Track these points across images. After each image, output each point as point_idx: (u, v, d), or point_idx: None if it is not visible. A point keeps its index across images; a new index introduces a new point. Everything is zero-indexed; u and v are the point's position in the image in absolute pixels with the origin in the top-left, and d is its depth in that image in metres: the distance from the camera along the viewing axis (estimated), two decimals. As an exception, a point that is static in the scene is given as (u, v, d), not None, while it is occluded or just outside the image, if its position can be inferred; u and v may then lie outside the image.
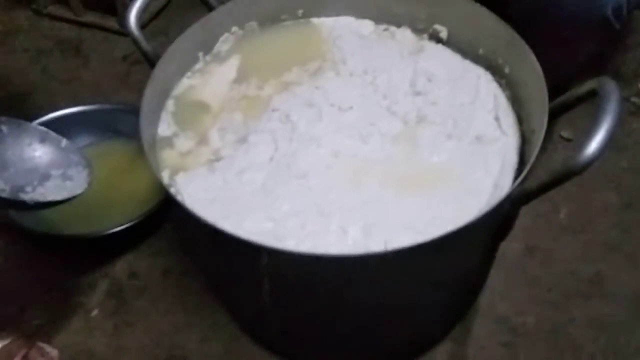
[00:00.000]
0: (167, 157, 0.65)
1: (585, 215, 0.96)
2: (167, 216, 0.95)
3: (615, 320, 0.83)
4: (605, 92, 0.51)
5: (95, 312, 0.85)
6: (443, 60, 0.75)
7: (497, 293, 0.86)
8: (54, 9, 1.31)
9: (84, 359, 0.80)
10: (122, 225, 0.87)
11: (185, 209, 0.54)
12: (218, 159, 0.64)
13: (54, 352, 0.79)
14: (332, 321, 0.62)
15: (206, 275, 0.78)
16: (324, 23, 0.82)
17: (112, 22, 1.26)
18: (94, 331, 0.83)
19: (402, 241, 0.54)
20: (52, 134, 0.71)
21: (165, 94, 0.71)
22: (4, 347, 0.76)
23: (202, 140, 0.67)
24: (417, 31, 0.80)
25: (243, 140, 0.65)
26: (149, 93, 0.65)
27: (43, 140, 0.70)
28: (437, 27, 0.78)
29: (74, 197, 0.68)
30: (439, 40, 0.79)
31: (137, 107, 0.98)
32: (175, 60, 0.70)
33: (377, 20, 0.82)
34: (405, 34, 0.80)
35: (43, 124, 0.98)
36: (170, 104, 0.71)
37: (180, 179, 0.61)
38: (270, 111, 0.68)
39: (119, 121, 1.02)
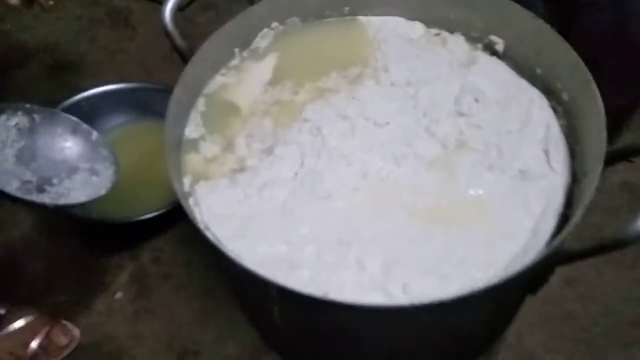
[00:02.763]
0: (192, 161, 0.63)
1: (636, 251, 0.88)
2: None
3: (655, 372, 0.77)
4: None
5: (118, 295, 0.87)
6: (496, 77, 0.69)
7: (528, 325, 0.81)
8: (107, -23, 1.30)
9: (102, 342, 0.82)
10: (151, 212, 0.88)
11: (197, 229, 0.52)
12: (242, 170, 0.62)
13: (75, 331, 0.81)
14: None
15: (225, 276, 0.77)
16: (372, 22, 0.77)
17: (162, -6, 1.24)
18: (115, 315, 0.84)
19: (422, 287, 0.51)
20: (84, 125, 0.70)
21: (197, 92, 0.69)
22: (28, 324, 0.78)
23: (229, 147, 0.64)
24: (472, 40, 0.73)
25: (270, 151, 0.62)
26: (179, 92, 0.62)
27: (75, 131, 0.69)
28: (494, 38, 0.71)
29: (95, 200, 0.68)
30: (494, 52, 0.72)
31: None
32: (209, 57, 0.68)
33: (429, 24, 0.76)
34: (458, 42, 0.74)
35: (86, 99, 0.99)
36: (201, 103, 0.68)
37: (201, 189, 0.59)
38: (302, 121, 0.65)
39: (158, 101, 1.01)
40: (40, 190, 0.63)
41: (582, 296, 0.84)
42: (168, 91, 0.98)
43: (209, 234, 0.55)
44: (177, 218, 0.93)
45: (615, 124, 0.55)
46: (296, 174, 0.60)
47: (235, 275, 0.57)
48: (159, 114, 0.98)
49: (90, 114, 0.98)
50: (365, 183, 0.60)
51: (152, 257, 0.91)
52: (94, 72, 1.16)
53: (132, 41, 1.23)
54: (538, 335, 0.80)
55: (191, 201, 0.59)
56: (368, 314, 0.48)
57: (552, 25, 0.63)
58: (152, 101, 1.01)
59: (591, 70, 0.58)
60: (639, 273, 0.85)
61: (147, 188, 0.95)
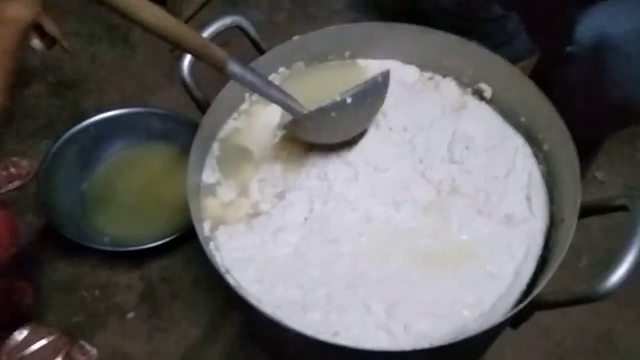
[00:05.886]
0: (210, 206, 0.69)
1: (607, 265, 0.97)
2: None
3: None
4: (635, 215, 0.52)
5: (130, 315, 0.93)
6: (484, 122, 0.76)
7: (506, 340, 0.90)
8: (105, -7, 1.32)
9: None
10: (159, 233, 0.93)
11: (219, 273, 0.58)
12: (256, 214, 0.68)
13: (93, 350, 0.87)
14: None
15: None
16: (370, 66, 0.83)
17: (160, 12, 1.27)
18: (129, 334, 0.90)
19: (420, 327, 0.58)
20: None
21: (211, 136, 0.74)
22: (49, 342, 0.83)
23: (243, 191, 0.70)
24: (462, 84, 0.80)
25: (281, 196, 0.69)
26: (198, 143, 0.68)
27: None
28: (482, 85, 0.78)
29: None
30: (482, 97, 0.79)
31: (179, 114, 1.03)
32: (223, 104, 0.73)
33: (423, 67, 0.82)
34: (449, 86, 0.80)
35: (92, 124, 1.03)
36: (215, 147, 0.74)
37: (221, 234, 0.65)
38: (309, 166, 0.71)
39: (159, 125, 1.06)
40: None
41: (555, 311, 0.93)
42: (168, 115, 1.06)
43: (229, 278, 0.61)
44: (183, 240, 0.99)
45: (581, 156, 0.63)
46: (306, 219, 0.67)
47: (252, 314, 0.63)
48: (160, 137, 1.06)
49: (96, 139, 1.04)
50: (369, 227, 0.66)
51: (160, 276, 0.97)
52: (96, 89, 1.20)
53: (131, 59, 1.26)
54: (516, 350, 0.89)
55: (212, 245, 0.65)
56: (373, 355, 0.55)
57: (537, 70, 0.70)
58: (153, 125, 1.07)
59: (563, 111, 0.66)
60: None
61: (154, 210, 1.00)
